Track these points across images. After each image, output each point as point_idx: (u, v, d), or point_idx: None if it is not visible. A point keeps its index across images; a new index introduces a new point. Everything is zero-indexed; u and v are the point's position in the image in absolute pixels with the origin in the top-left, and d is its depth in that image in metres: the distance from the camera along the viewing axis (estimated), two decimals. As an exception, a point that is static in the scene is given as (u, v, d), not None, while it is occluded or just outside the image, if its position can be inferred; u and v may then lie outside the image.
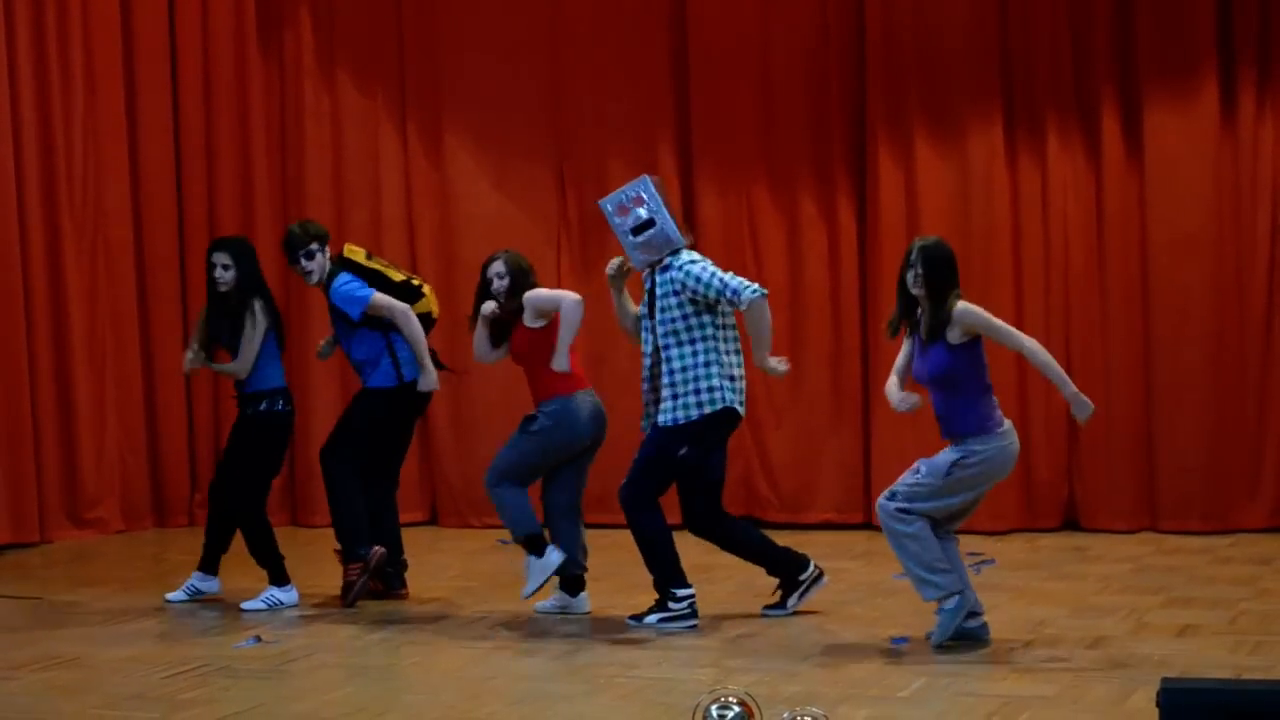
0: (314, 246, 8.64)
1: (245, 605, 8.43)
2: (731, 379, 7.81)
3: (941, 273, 7.18)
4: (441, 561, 9.88)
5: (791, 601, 8.04)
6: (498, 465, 8.26)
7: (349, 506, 8.60)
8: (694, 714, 4.90)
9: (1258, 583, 8.62)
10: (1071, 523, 10.43)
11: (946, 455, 7.25)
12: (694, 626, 7.82)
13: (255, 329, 8.41)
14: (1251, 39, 10.10)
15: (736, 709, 4.84)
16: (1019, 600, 8.37)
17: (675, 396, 7.77)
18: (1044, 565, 9.31)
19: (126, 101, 11.31)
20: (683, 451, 7.78)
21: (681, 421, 7.76)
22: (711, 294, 7.71)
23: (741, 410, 7.87)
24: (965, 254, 10.36)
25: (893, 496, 7.24)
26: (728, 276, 7.75)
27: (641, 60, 11.07)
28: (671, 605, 7.88)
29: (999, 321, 7.27)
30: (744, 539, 8.15)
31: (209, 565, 8.75)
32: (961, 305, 7.17)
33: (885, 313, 10.56)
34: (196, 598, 8.69)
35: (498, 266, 8.31)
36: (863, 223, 10.75)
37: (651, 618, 7.88)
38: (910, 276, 7.20)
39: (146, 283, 11.44)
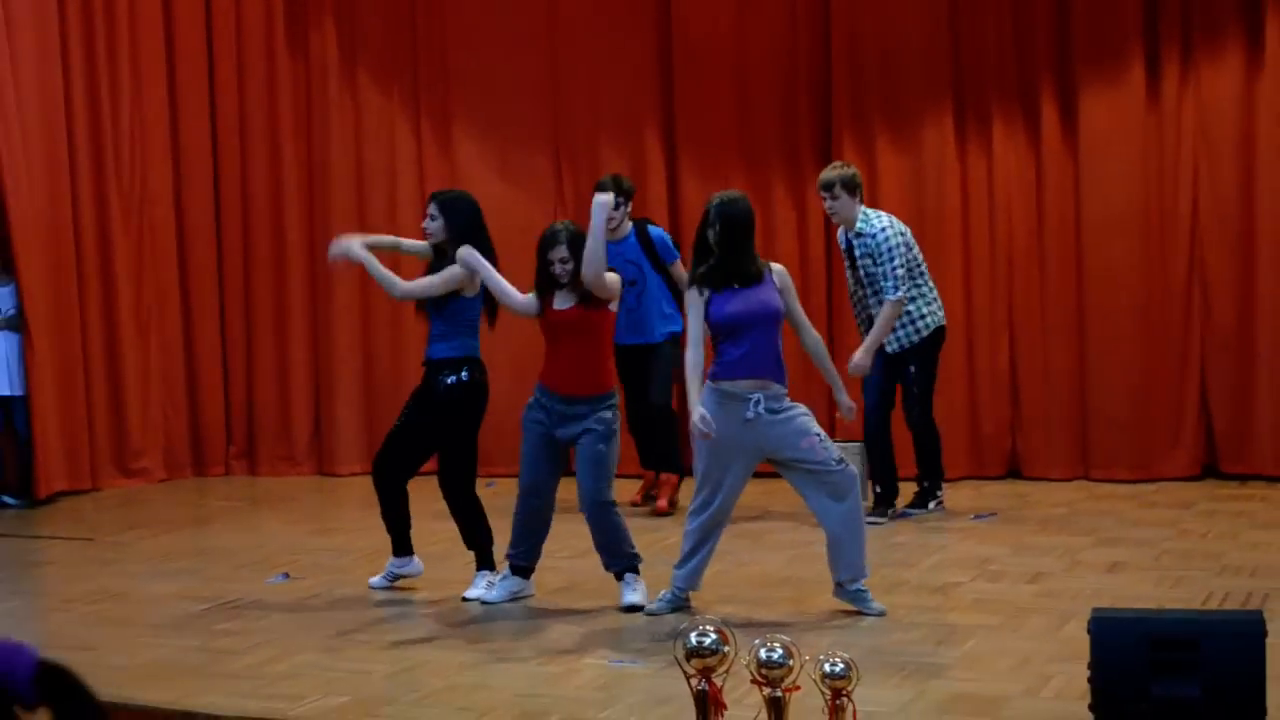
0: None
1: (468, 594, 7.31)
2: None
3: (742, 228, 6.70)
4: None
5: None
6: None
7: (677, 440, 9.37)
8: (675, 641, 4.89)
9: (1179, 524, 8.64)
10: (1014, 472, 10.42)
11: (802, 412, 6.73)
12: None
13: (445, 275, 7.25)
14: (1175, 23, 10.00)
15: (713, 636, 4.83)
16: (967, 541, 8.38)
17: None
18: (989, 510, 9.31)
19: (169, 96, 11.26)
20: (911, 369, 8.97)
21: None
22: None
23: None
24: (920, 232, 10.37)
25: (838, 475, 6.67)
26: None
27: (631, 56, 11.02)
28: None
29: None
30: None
31: (400, 548, 7.55)
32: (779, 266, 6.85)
33: (847, 283, 10.62)
34: (395, 583, 7.55)
35: (561, 251, 6.96)
36: (827, 204, 10.72)
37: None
38: (710, 234, 6.68)
39: (187, 257, 11.40)
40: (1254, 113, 9.93)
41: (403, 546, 7.52)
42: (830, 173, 8.92)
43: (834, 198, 8.83)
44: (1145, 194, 10.10)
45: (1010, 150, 10.40)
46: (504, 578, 7.24)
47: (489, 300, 7.27)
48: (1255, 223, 9.95)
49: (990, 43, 10.35)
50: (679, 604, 6.87)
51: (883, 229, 8.78)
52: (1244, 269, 10.00)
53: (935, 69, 10.45)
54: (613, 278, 7.00)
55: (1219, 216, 10.04)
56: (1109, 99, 10.14)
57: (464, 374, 7.23)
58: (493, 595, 7.19)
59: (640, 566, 7.09)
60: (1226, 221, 10.03)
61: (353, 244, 7.37)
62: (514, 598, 7.20)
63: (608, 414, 7.00)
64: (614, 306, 7.09)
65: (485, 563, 7.37)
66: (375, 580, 7.56)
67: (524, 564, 7.24)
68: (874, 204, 10.46)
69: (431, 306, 7.32)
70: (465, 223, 7.34)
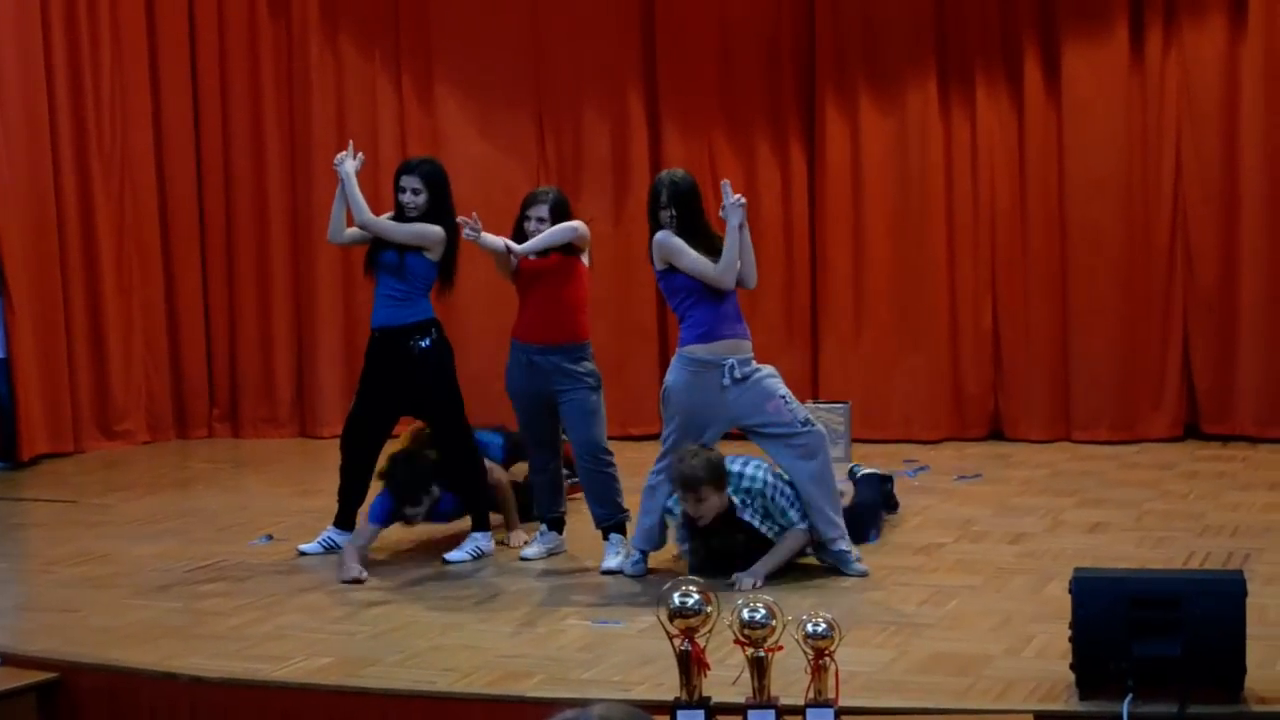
0: None
1: (449, 556, 7.26)
2: None
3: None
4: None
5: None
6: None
7: None
8: (659, 602, 4.92)
9: (1161, 485, 8.66)
10: (997, 433, 10.43)
11: (768, 374, 6.82)
12: None
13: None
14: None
15: (696, 597, 4.85)
16: (949, 501, 8.40)
17: None
18: (972, 470, 9.33)
19: (149, 57, 11.17)
20: None
21: None
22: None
23: None
24: (903, 194, 10.42)
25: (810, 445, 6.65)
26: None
27: (613, 16, 10.94)
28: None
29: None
30: None
31: (345, 521, 7.48)
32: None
33: (832, 244, 10.62)
34: (328, 551, 7.44)
35: (540, 211, 7.10)
36: (812, 165, 10.71)
37: None
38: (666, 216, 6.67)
39: (168, 220, 11.35)
40: (1237, 74, 9.91)
41: (347, 520, 7.46)
42: (697, 471, 6.50)
43: (700, 499, 6.54)
44: (1128, 155, 10.09)
45: (993, 112, 10.38)
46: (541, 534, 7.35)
47: (445, 265, 7.28)
48: (1238, 184, 9.94)
49: (973, 2, 10.32)
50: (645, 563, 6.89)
51: (757, 475, 6.70)
52: (1226, 230, 10.00)
53: (919, 29, 10.41)
54: (584, 226, 7.11)
55: (1202, 177, 10.03)
56: (1092, 60, 10.11)
57: (433, 333, 7.23)
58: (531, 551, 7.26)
59: (626, 524, 7.11)
60: (1209, 182, 10.02)
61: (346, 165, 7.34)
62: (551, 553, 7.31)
63: (590, 364, 7.11)
64: (586, 259, 7.17)
65: (480, 524, 7.36)
66: (309, 546, 7.46)
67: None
68: (857, 162, 10.50)
69: (386, 270, 7.23)
70: (444, 192, 7.30)
